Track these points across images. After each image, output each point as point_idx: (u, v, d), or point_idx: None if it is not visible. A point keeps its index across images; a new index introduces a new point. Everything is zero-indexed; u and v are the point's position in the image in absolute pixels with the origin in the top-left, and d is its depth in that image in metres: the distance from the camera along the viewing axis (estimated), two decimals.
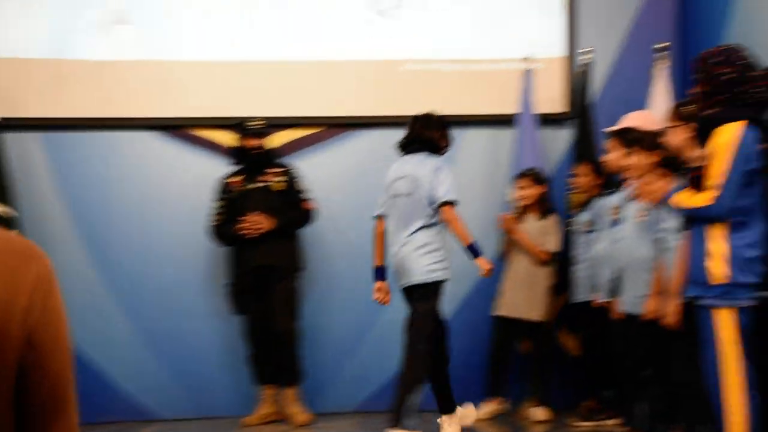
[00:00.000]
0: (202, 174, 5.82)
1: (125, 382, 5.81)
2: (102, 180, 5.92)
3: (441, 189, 4.53)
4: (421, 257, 4.54)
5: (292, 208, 5.53)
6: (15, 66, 5.83)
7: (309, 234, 5.73)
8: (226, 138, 5.86)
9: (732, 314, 3.12)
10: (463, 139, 6.07)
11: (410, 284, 4.60)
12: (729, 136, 3.12)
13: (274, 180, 5.52)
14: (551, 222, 5.53)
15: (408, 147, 4.76)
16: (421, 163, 4.65)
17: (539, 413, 5.42)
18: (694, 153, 3.34)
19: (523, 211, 5.58)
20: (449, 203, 4.55)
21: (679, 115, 3.81)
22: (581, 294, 5.26)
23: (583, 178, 5.43)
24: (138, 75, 5.93)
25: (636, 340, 4.22)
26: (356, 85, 6.07)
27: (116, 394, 5.76)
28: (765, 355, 3.43)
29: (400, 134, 6.00)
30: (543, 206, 5.54)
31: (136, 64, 5.93)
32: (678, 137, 3.78)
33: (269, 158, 5.59)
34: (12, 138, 5.73)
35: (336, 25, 6.11)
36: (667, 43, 5.83)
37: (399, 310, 5.94)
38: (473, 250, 4.57)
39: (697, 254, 3.21)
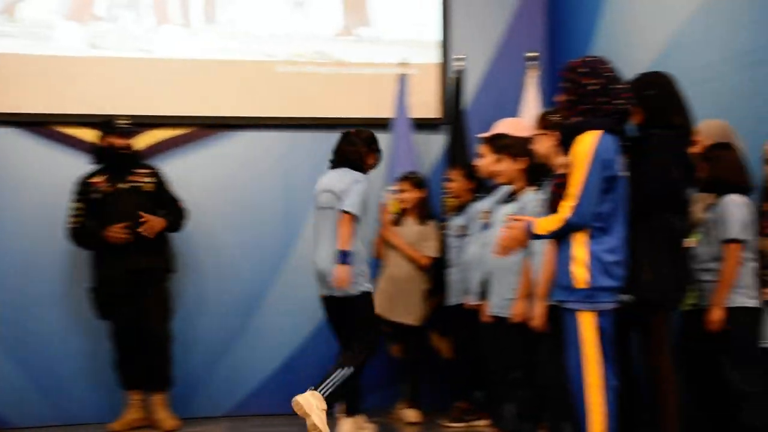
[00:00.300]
0: (64, 172, 5.57)
1: None
2: None
3: (348, 200, 4.67)
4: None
5: (166, 209, 5.39)
6: None
7: (179, 236, 5.59)
8: (91, 136, 5.64)
9: (594, 317, 3.21)
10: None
11: (333, 296, 4.75)
12: (587, 144, 3.21)
13: (143, 181, 5.36)
14: (431, 227, 5.58)
15: (333, 162, 4.90)
16: (342, 178, 4.79)
17: (410, 415, 5.46)
18: (559, 160, 3.42)
19: (402, 215, 5.60)
20: (349, 214, 4.67)
21: (545, 123, 3.91)
22: (454, 297, 5.32)
23: (456, 182, 5.49)
24: None
25: (504, 343, 4.29)
26: (229, 86, 5.97)
27: None
28: (624, 356, 3.56)
29: (273, 136, 6.03)
30: (422, 211, 5.58)
31: None
32: (544, 145, 3.89)
33: (136, 158, 5.43)
34: None
35: (209, 22, 6.00)
36: (537, 53, 5.96)
37: (270, 313, 5.92)
38: (341, 256, 4.64)
39: (562, 259, 3.29)
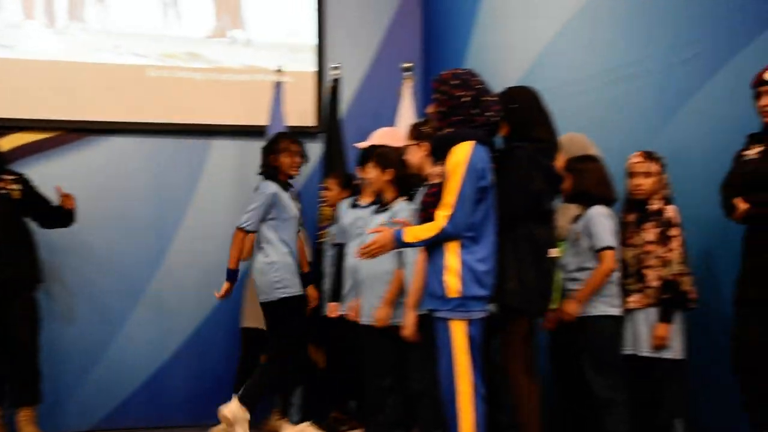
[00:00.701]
0: None
1: None
2: None
3: (242, 216, 4.78)
4: (262, 276, 4.82)
5: (43, 216, 5.17)
6: None
7: (46, 245, 5.35)
8: None
9: (465, 326, 3.24)
10: (211, 148, 6.00)
11: (261, 302, 4.90)
12: (461, 155, 3.25)
13: (11, 188, 5.08)
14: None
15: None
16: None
17: (284, 425, 5.39)
18: (432, 170, 3.45)
19: None
20: (240, 228, 4.78)
21: (416, 133, 3.95)
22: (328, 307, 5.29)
23: (331, 191, 5.48)
24: None
25: (375, 351, 4.30)
26: (97, 89, 5.77)
27: None
28: (488, 363, 3.60)
29: (144, 142, 5.87)
30: None
31: None
32: (416, 155, 3.92)
33: (2, 163, 5.16)
34: None
35: (75, 20, 5.81)
36: (412, 63, 5.99)
37: (140, 324, 5.77)
38: (228, 274, 4.78)
39: (435, 268, 3.31)
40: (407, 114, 5.81)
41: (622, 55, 4.45)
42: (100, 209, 5.74)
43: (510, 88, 3.80)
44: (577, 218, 4.02)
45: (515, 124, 3.67)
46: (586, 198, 3.98)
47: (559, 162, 3.91)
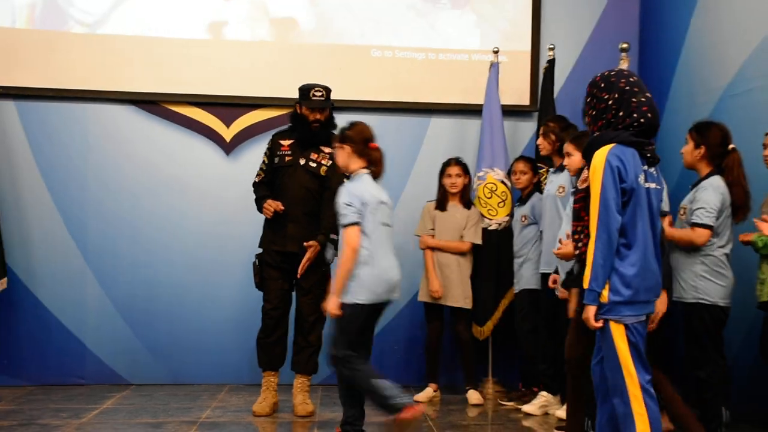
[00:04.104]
0: (175, 149, 6.05)
1: (96, 347, 5.98)
2: (77, 150, 6.02)
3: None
4: None
5: None
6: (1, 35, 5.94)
7: None
8: (200, 114, 6.05)
9: (622, 330, 3.19)
10: (429, 126, 6.24)
11: None
12: (597, 160, 3.19)
13: (324, 162, 5.16)
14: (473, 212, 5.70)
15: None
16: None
17: (474, 397, 5.58)
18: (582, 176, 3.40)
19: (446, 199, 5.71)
20: None
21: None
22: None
23: (521, 174, 5.62)
24: (116, 48, 6.03)
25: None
26: (324, 69, 6.05)
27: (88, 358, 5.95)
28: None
29: (370, 119, 6.10)
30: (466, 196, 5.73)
31: (117, 38, 6.04)
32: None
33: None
34: None
35: (310, 6, 6.24)
36: (628, 44, 5.83)
37: None
38: None
39: None
40: None
41: None
42: None
43: None
44: None
45: None
46: None
47: None
